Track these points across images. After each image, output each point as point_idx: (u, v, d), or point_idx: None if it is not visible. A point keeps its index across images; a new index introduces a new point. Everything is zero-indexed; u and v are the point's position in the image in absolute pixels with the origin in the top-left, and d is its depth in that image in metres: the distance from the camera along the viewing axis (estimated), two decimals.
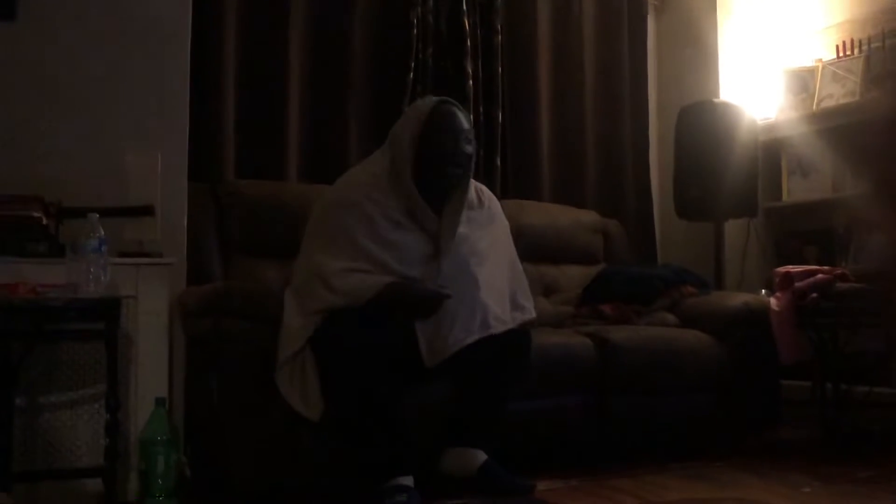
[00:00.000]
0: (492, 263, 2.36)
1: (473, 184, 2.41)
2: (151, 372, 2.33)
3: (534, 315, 2.42)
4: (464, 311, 2.21)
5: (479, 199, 2.44)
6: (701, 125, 3.50)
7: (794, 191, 3.67)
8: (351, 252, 2.21)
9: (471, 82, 3.56)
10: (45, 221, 2.26)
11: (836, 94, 3.51)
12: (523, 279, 2.48)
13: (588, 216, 3.71)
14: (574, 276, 3.46)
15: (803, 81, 3.65)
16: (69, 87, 2.51)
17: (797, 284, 2.94)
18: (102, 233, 2.15)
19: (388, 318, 2.16)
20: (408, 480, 2.12)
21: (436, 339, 2.19)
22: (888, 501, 2.23)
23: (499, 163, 3.66)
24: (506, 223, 2.52)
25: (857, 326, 2.91)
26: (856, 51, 3.48)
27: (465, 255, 2.30)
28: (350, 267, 2.19)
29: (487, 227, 2.42)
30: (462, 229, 2.32)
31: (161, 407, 2.22)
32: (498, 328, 2.24)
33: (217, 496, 2.35)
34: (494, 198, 2.53)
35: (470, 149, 2.31)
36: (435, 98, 2.37)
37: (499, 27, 3.70)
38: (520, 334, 2.35)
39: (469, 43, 3.58)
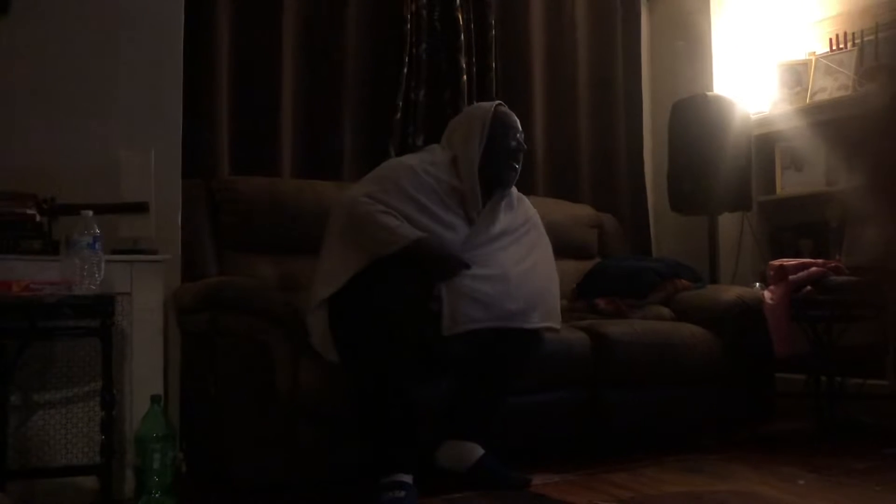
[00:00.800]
0: (528, 268, 2.44)
1: (514, 191, 2.56)
2: (147, 368, 2.32)
3: (558, 328, 2.50)
4: (489, 296, 2.29)
5: (520, 204, 2.57)
6: (695, 119, 3.51)
7: (787, 184, 3.67)
8: (400, 202, 2.30)
9: (465, 77, 3.56)
10: (38, 219, 2.26)
11: (829, 88, 3.52)
12: (556, 298, 2.54)
13: (582, 210, 3.71)
14: (569, 270, 3.46)
15: (797, 75, 3.66)
16: (62, 83, 2.51)
17: (791, 277, 2.94)
18: (97, 230, 2.14)
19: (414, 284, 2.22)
20: (407, 478, 2.12)
21: (456, 311, 2.25)
22: (881, 492, 2.24)
23: None
24: (548, 240, 2.62)
25: (852, 319, 2.92)
26: (849, 44, 3.49)
27: (495, 249, 2.40)
28: (391, 212, 2.27)
29: (525, 232, 2.53)
30: (499, 227, 2.44)
31: (157, 404, 2.22)
32: (507, 325, 2.32)
33: (214, 493, 2.35)
34: (534, 210, 2.64)
35: (524, 147, 2.52)
36: (492, 102, 2.56)
37: (492, 22, 3.70)
38: (529, 334, 2.39)
39: (463, 38, 3.57)
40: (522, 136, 2.52)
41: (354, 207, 2.29)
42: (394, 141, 3.37)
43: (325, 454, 2.25)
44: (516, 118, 2.53)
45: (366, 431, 2.18)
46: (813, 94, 3.57)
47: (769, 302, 2.95)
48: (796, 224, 3.68)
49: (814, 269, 2.96)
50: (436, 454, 2.35)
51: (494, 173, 2.44)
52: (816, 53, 3.61)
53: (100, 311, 2.13)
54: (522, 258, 2.45)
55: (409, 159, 2.49)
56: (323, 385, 2.23)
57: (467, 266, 2.29)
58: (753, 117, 3.65)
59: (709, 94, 3.66)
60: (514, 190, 2.56)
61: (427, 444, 2.32)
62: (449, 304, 2.26)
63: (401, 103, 3.42)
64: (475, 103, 2.71)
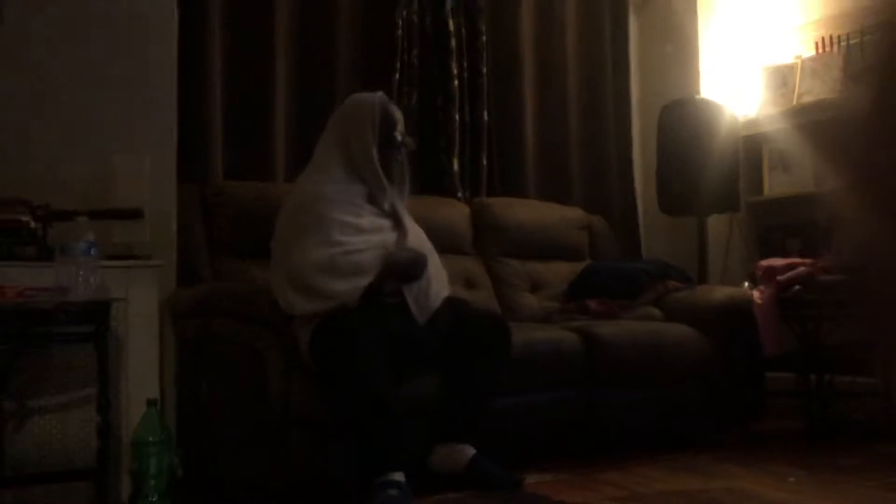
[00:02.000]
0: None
1: None
2: (142, 373, 2.33)
3: None
4: (433, 274, 2.44)
5: None
6: (683, 122, 3.54)
7: (775, 185, 3.71)
8: (344, 234, 2.33)
9: (456, 82, 3.58)
10: (33, 225, 2.25)
11: (815, 90, 3.56)
12: None
13: (573, 213, 3.73)
14: (560, 272, 3.48)
15: (783, 78, 3.70)
16: (56, 90, 2.51)
17: (780, 277, 2.97)
18: (91, 236, 2.15)
19: (383, 298, 2.30)
20: (399, 476, 2.13)
21: (419, 296, 2.37)
22: (871, 489, 2.27)
23: (485, 161, 3.68)
24: None
25: (840, 318, 2.94)
26: (834, 47, 3.52)
27: (415, 230, 2.54)
28: (348, 249, 2.31)
29: None
30: (407, 211, 2.54)
31: (152, 408, 2.22)
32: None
33: (211, 497, 2.36)
34: None
35: (407, 139, 2.56)
36: (376, 93, 2.56)
37: (483, 28, 3.72)
38: (499, 324, 2.47)
39: (454, 43, 3.59)
40: (403, 126, 2.54)
41: (310, 282, 2.26)
42: None
43: (318, 458, 2.25)
44: (398, 113, 2.56)
45: (353, 434, 2.19)
46: (799, 97, 3.61)
47: (758, 302, 2.97)
48: (784, 224, 3.71)
49: (802, 268, 2.98)
50: (428, 459, 2.36)
51: (384, 167, 2.46)
52: (802, 57, 3.65)
53: (95, 316, 2.13)
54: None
55: (312, 187, 2.44)
56: (316, 390, 2.24)
57: (426, 258, 2.38)
58: (741, 120, 3.69)
59: (697, 97, 3.69)
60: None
61: (419, 448, 2.34)
62: (411, 295, 2.34)
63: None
64: (354, 95, 2.68)
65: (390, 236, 2.42)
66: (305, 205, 2.41)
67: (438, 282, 2.46)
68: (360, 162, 2.44)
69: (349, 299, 2.23)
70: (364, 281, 2.25)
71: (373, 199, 2.45)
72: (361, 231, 2.37)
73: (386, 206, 2.46)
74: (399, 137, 2.49)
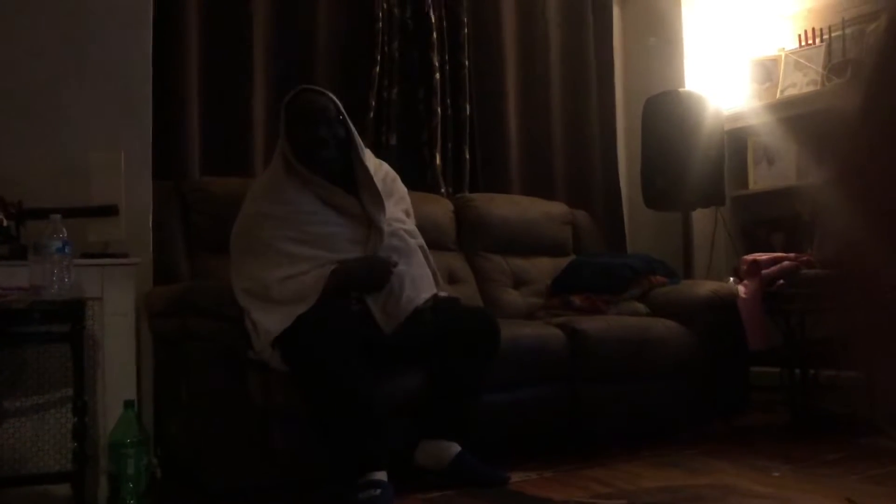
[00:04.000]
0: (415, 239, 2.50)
1: (381, 163, 2.55)
2: (119, 374, 2.30)
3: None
4: (410, 275, 2.33)
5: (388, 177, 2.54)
6: (667, 115, 3.53)
7: (760, 179, 3.71)
8: (283, 260, 2.26)
9: (437, 75, 3.55)
10: (5, 223, 2.22)
11: (798, 83, 3.56)
12: None
13: (557, 208, 3.72)
14: (544, 267, 3.47)
15: (767, 70, 3.70)
16: (29, 85, 2.47)
17: (764, 272, 2.97)
18: (66, 233, 2.11)
19: (346, 305, 2.24)
20: (381, 475, 2.12)
21: (388, 303, 2.28)
22: (854, 482, 2.27)
23: (467, 155, 3.66)
24: (409, 201, 2.63)
25: (824, 312, 2.94)
26: (817, 40, 3.52)
27: (395, 228, 2.41)
28: (287, 274, 2.22)
29: (400, 204, 2.54)
30: (387, 206, 2.40)
31: (130, 409, 2.19)
32: (440, 291, 2.42)
33: (189, 498, 2.33)
34: (397, 176, 2.61)
35: (338, 132, 2.38)
36: (295, 89, 2.43)
37: (464, 20, 3.69)
38: (488, 320, 2.43)
39: (435, 36, 3.57)
40: (326, 120, 2.35)
41: (255, 298, 2.21)
42: (367, 140, 3.35)
43: (298, 457, 2.24)
44: (317, 103, 2.38)
45: (332, 437, 2.16)
46: (783, 90, 3.61)
47: (743, 296, 2.97)
48: (769, 218, 3.72)
49: (786, 262, 2.98)
50: (414, 454, 2.34)
51: (313, 164, 2.35)
52: (786, 49, 3.65)
53: (70, 316, 2.10)
54: (410, 231, 2.48)
55: (261, 204, 2.37)
56: (295, 388, 2.21)
57: (395, 263, 2.30)
58: (725, 113, 3.68)
59: (681, 90, 3.68)
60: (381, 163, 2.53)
61: (403, 443, 2.32)
62: (376, 305, 2.27)
63: (374, 102, 3.40)
64: None
65: (353, 240, 2.33)
66: (246, 226, 2.37)
67: (414, 286, 2.32)
68: (297, 172, 2.35)
69: (278, 331, 2.14)
70: (302, 307, 2.16)
71: (335, 203, 2.36)
72: (312, 242, 2.29)
73: (348, 209, 2.36)
74: (313, 135, 2.33)
